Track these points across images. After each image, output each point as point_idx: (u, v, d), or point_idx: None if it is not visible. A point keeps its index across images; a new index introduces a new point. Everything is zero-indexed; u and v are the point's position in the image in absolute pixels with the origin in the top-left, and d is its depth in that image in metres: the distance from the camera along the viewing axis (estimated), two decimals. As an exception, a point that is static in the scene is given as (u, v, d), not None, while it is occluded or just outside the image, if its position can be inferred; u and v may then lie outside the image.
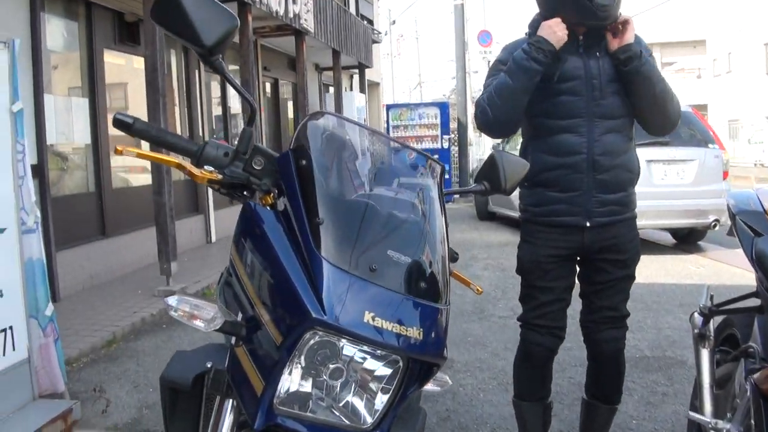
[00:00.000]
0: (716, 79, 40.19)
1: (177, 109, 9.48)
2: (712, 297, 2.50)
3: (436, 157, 1.99)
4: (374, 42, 18.64)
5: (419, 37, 47.49)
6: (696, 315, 2.51)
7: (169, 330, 5.54)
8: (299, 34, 11.23)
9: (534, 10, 2.86)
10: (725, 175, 8.55)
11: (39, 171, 6.08)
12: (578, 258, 2.89)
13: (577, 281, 2.92)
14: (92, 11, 7.34)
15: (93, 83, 7.35)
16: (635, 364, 4.38)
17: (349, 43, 14.66)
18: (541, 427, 2.98)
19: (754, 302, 2.31)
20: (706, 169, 8.37)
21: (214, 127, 10.83)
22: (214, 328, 1.48)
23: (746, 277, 6.60)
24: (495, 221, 12.21)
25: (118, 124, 1.64)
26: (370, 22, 19.03)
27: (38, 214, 3.53)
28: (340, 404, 1.45)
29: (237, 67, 9.25)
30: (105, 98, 7.54)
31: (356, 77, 18.54)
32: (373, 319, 1.41)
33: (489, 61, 18.10)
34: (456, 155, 18.11)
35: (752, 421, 2.01)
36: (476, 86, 22.88)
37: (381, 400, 1.47)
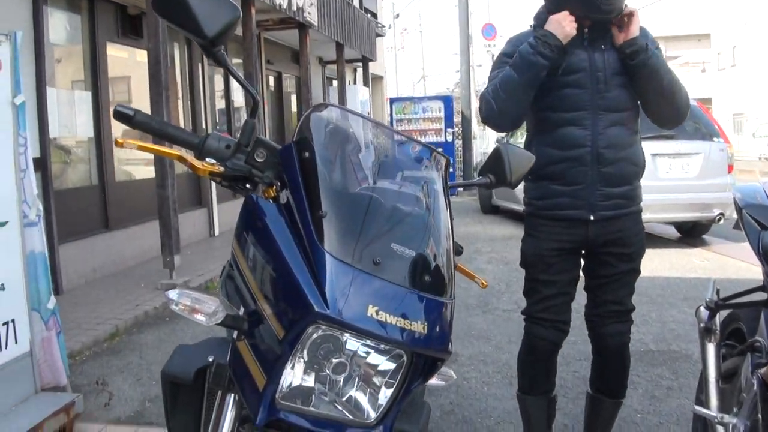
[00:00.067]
0: (721, 72, 40.10)
1: (180, 102, 9.46)
2: (718, 291, 2.48)
3: (440, 150, 1.97)
4: (378, 35, 18.60)
5: (423, 30, 47.35)
6: (702, 309, 2.49)
7: (172, 323, 5.54)
8: (303, 27, 11.20)
9: (539, 2, 2.84)
10: (730, 168, 8.53)
11: (42, 164, 6.08)
12: (583, 251, 2.87)
13: (581, 275, 2.91)
14: (95, 4, 7.32)
15: (96, 76, 7.33)
16: (640, 357, 4.36)
17: (353, 36, 14.63)
18: (546, 421, 2.97)
19: (761, 296, 2.29)
20: (711, 163, 8.34)
21: (217, 121, 10.81)
22: (215, 322, 1.47)
23: (751, 270, 6.58)
24: (499, 215, 12.19)
25: (119, 116, 1.62)
26: (374, 15, 18.96)
27: (40, 207, 3.51)
28: (343, 399, 1.44)
29: (240, 61, 9.25)
30: (108, 91, 7.53)
31: (360, 71, 18.52)
32: (377, 313, 1.39)
33: (493, 55, 18.06)
34: (460, 149, 18.06)
35: (759, 416, 2.00)
36: (480, 80, 22.80)
37: (384, 395, 1.45)
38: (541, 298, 2.83)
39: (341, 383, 1.43)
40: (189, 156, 1.66)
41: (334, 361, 1.42)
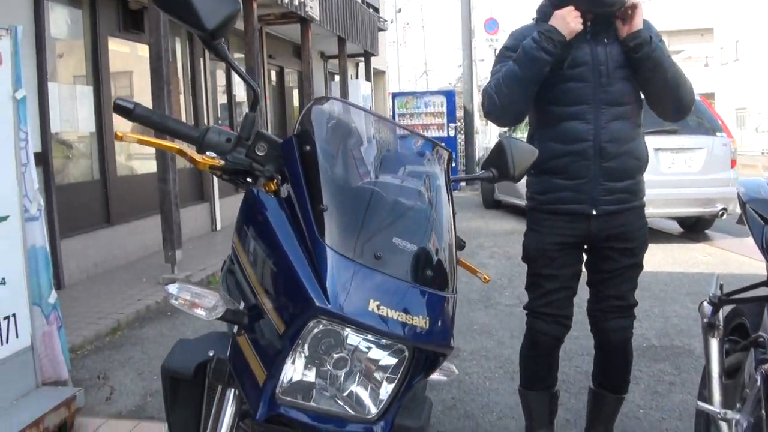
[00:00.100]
0: (723, 67, 40.00)
1: (182, 97, 9.45)
2: (721, 286, 2.47)
3: (442, 144, 1.95)
4: (380, 30, 18.55)
5: (425, 25, 47.22)
6: (705, 304, 2.48)
7: (174, 318, 5.54)
8: (304, 21, 11.18)
9: (541, -4, 2.82)
10: (733, 163, 8.50)
11: (43, 159, 6.07)
12: (585, 246, 2.86)
13: (584, 270, 2.90)
14: (96, -2, 7.31)
15: (97, 71, 7.32)
16: (642, 353, 4.35)
17: (355, 30, 14.60)
18: (548, 416, 2.96)
19: (765, 291, 2.28)
20: (714, 158, 8.32)
21: (219, 116, 10.80)
22: (215, 317, 1.46)
23: (754, 266, 6.56)
24: (501, 209, 12.18)
25: (119, 109, 1.61)
26: (376, 9, 18.89)
27: (41, 201, 3.51)
28: (344, 394, 1.43)
29: (242, 55, 9.23)
30: (109, 86, 7.52)
31: (362, 65, 18.48)
32: (378, 308, 1.38)
33: (495, 49, 18.03)
34: (462, 143, 18.05)
35: (763, 412, 1.99)
36: (483, 74, 22.80)
37: (386, 390, 1.44)
38: (543, 292, 2.82)
39: (342, 378, 1.42)
40: (189, 149, 1.65)
41: (335, 356, 1.41)
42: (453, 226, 1.70)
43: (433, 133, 16.36)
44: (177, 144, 1.67)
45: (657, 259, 7.31)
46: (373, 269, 1.43)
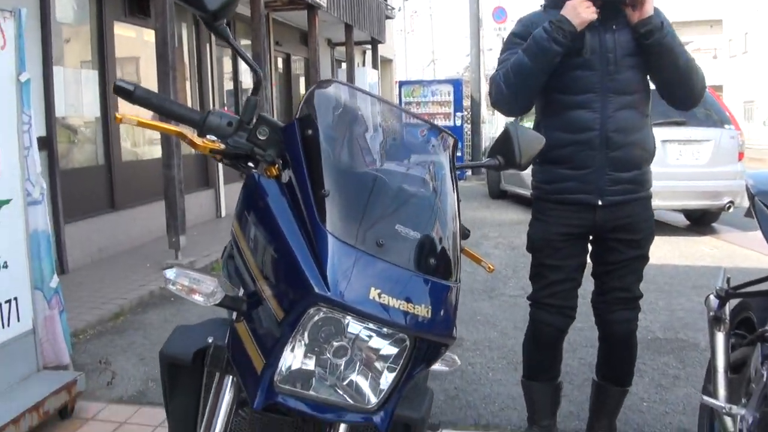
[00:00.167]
0: (732, 59, 39.84)
1: (188, 83, 9.42)
2: (728, 279, 2.44)
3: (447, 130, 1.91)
4: (387, 17, 18.50)
5: (433, 13, 47.07)
6: (711, 297, 2.45)
7: (177, 303, 5.53)
8: (311, 8, 11.13)
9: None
10: (741, 156, 8.44)
11: (48, 143, 6.06)
12: (591, 237, 2.83)
13: (589, 260, 2.87)
14: (102, -18, 7.27)
15: (103, 56, 7.29)
16: (647, 345, 4.33)
17: (362, 17, 14.54)
18: (550, 408, 2.94)
19: (773, 285, 2.26)
20: (722, 150, 8.25)
21: (225, 102, 10.78)
22: (213, 303, 1.43)
23: (760, 260, 6.54)
24: (507, 199, 12.15)
25: (119, 90, 1.58)
26: (384, -3, 18.84)
27: (44, 185, 3.49)
28: (344, 383, 1.40)
29: (249, 42, 9.18)
30: (115, 71, 7.49)
31: (369, 53, 18.43)
32: (380, 296, 1.35)
33: (503, 38, 17.93)
34: (469, 133, 17.99)
35: (768, 407, 1.97)
36: (490, 63, 22.63)
37: (386, 380, 1.42)
38: (547, 283, 2.80)
39: (342, 367, 1.40)
40: (189, 132, 1.62)
41: (335, 344, 1.38)
42: (457, 215, 1.67)
43: (439, 122, 16.28)
44: (177, 127, 1.65)
45: (663, 251, 7.27)
46: (374, 256, 1.40)
